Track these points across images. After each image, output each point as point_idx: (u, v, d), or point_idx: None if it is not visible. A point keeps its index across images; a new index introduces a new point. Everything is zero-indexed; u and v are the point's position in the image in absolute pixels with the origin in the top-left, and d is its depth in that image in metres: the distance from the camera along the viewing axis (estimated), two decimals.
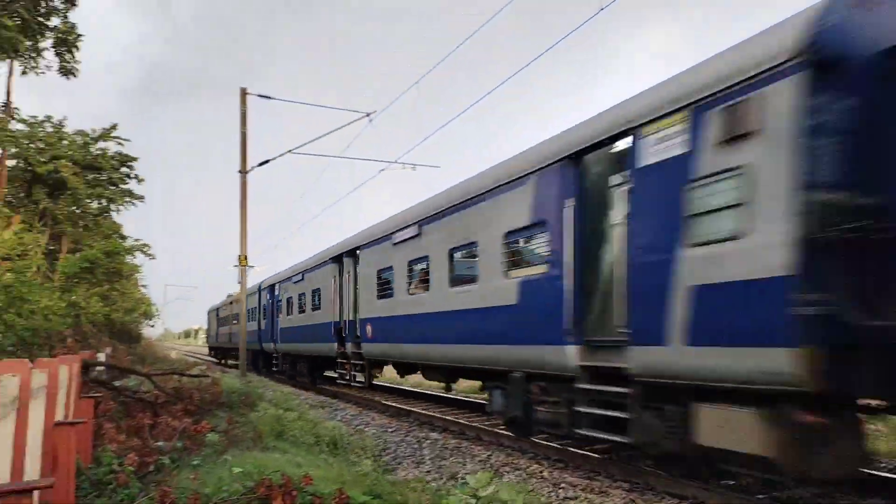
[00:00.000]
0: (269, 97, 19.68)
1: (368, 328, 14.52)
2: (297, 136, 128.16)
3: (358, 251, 15.61)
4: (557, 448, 8.79)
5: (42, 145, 24.77)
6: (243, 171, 19.77)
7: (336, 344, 16.84)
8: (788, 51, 5.07)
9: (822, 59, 4.95)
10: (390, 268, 13.39)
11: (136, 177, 28.54)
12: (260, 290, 26.98)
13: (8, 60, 17.87)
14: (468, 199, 10.18)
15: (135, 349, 38.21)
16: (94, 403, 7.68)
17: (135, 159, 28.28)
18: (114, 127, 27.18)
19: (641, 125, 6.57)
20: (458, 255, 10.82)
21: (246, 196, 19.82)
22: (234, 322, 30.01)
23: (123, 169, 27.88)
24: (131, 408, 11.16)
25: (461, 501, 3.27)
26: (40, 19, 17.28)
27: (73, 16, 18.55)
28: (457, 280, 10.71)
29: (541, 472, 7.66)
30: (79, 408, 6.90)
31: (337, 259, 16.96)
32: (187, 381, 14.00)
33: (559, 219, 7.70)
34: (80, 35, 18.79)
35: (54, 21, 17.90)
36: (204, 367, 32.14)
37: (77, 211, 26.43)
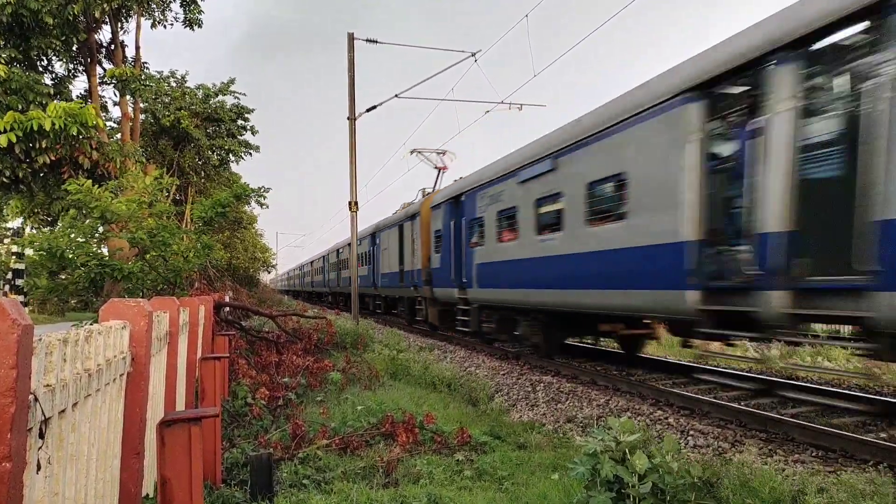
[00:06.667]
0: (376, 41, 19.44)
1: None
2: (404, 80, 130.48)
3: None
4: (683, 395, 8.43)
5: (167, 100, 26.20)
6: (352, 118, 19.84)
7: None
8: (456, 194, 16.22)
9: (457, 201, 16.11)
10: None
11: (252, 128, 29.67)
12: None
13: (136, 14, 18.71)
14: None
15: (255, 293, 40.69)
16: (227, 341, 8.12)
17: (251, 111, 29.34)
18: (232, 81, 28.26)
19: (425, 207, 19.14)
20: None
21: (355, 143, 19.94)
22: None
23: (240, 121, 29.02)
24: (257, 346, 11.86)
25: (602, 446, 3.11)
26: None
27: None
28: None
29: (666, 418, 7.36)
30: (216, 345, 7.30)
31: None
32: (304, 322, 14.67)
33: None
34: None
35: None
36: (317, 309, 33.90)
37: (200, 162, 27.93)
